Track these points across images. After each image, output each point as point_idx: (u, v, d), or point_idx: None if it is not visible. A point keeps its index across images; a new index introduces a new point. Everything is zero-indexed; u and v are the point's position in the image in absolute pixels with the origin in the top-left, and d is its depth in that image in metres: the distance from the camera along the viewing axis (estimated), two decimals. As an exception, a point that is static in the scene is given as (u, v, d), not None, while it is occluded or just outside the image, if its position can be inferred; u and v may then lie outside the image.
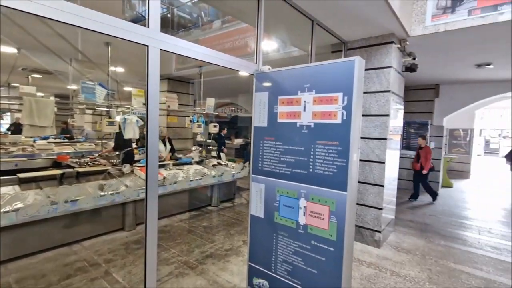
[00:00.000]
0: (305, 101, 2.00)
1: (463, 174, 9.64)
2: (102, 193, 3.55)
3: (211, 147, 7.19)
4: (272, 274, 2.28)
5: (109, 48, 4.65)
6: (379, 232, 3.72)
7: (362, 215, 3.85)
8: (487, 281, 2.99)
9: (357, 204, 3.89)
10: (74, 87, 6.49)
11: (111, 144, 6.17)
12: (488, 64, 4.83)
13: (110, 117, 4.47)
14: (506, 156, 8.47)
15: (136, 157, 5.75)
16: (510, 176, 8.17)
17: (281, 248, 2.22)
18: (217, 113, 7.45)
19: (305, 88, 2.00)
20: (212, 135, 6.87)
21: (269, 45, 4.59)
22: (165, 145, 5.99)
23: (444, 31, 3.33)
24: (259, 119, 2.32)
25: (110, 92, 4.73)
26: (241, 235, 4.14)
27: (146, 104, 1.70)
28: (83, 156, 5.64)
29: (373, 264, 3.31)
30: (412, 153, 7.44)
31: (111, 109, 4.44)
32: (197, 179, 5.05)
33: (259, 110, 2.31)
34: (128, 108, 4.52)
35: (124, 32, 1.51)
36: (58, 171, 3.97)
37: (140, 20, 5.12)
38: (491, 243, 4.02)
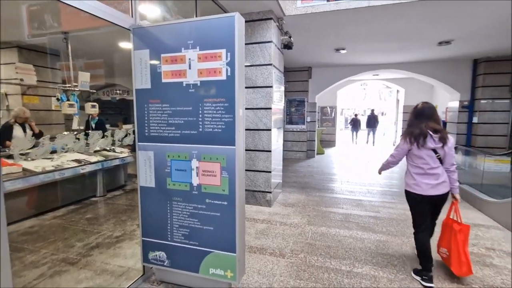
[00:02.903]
0: (189, 59, 1.95)
1: (331, 143, 11.90)
2: None
3: (90, 131, 6.13)
4: (169, 243, 2.21)
5: None
6: (270, 192, 4.16)
7: (254, 180, 4.20)
8: (346, 215, 3.86)
9: (250, 170, 4.21)
10: None
11: None
12: (343, 49, 5.99)
13: None
14: (349, 123, 13.41)
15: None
16: (351, 136, 12.76)
17: (176, 214, 2.16)
18: (94, 90, 6.36)
19: (189, 45, 1.94)
20: (90, 116, 5.85)
21: (152, 11, 4.19)
22: (24, 130, 4.72)
23: (311, 13, 3.88)
24: (141, 80, 2.11)
25: None
26: (134, 220, 3.81)
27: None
28: None
29: (265, 220, 3.70)
30: (295, 127, 8.59)
31: None
32: (72, 167, 4.25)
33: (140, 70, 2.10)
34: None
35: None
36: None
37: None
38: (349, 189, 5.18)
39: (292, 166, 7.50)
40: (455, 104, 7.63)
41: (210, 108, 1.95)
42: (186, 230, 2.15)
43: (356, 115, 13.79)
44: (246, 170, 4.24)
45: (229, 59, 1.86)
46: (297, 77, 8.51)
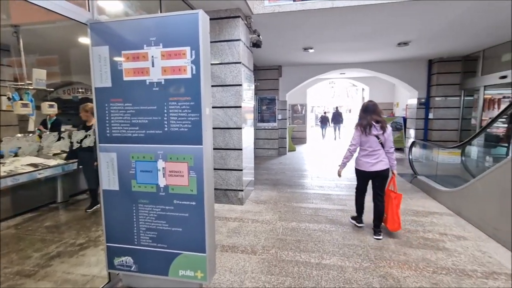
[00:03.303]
0: (152, 56, 1.89)
1: (302, 140, 12.19)
2: None
3: (49, 133, 5.68)
4: (136, 247, 2.14)
5: None
6: (242, 191, 4.17)
7: (226, 179, 4.19)
8: (315, 209, 3.99)
9: (221, 169, 4.19)
10: None
11: None
12: (311, 48, 6.15)
13: None
14: (319, 120, 14.98)
15: None
16: (321, 133, 14.19)
17: (143, 216, 2.10)
18: (51, 89, 5.89)
19: (152, 42, 1.88)
20: (48, 117, 5.42)
21: (112, 5, 3.98)
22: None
23: (278, 12, 3.93)
24: (101, 78, 2.01)
25: None
26: (100, 225, 3.61)
27: None
28: None
29: (238, 218, 3.71)
30: (267, 125, 8.67)
31: None
32: (27, 172, 3.92)
33: (100, 67, 2.00)
34: None
35: None
36: None
37: None
38: (319, 184, 5.36)
39: (264, 163, 7.58)
40: (414, 101, 8.19)
41: (175, 107, 1.91)
42: (153, 232, 2.09)
43: (325, 112, 15.25)
44: (217, 169, 4.21)
45: (193, 57, 1.83)
46: (267, 75, 8.59)
